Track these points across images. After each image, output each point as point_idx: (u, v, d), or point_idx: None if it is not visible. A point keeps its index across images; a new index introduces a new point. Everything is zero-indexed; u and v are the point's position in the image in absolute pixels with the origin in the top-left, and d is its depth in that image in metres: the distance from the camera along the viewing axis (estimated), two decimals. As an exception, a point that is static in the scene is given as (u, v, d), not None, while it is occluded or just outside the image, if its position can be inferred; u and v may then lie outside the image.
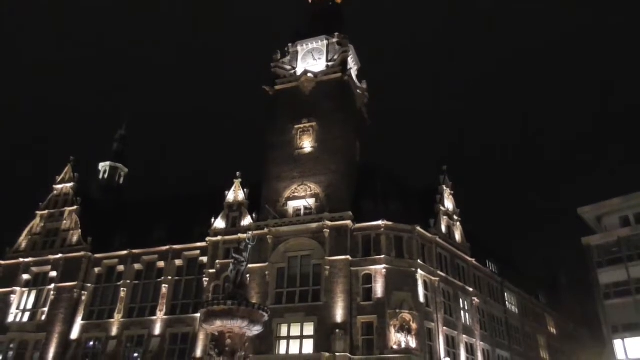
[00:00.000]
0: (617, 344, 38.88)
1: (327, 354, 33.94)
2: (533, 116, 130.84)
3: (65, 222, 49.26)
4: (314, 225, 39.38)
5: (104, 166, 59.16)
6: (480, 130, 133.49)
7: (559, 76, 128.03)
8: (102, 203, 52.12)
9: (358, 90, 49.26)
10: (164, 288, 42.88)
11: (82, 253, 46.38)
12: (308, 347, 35.65)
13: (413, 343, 34.57)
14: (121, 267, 45.40)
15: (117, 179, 59.38)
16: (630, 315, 38.22)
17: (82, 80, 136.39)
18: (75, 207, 49.54)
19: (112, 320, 43.10)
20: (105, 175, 58.70)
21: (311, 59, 47.97)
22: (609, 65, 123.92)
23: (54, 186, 51.67)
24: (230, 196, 44.46)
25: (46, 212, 50.47)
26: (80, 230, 48.09)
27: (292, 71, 47.72)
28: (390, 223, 38.71)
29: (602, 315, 41.09)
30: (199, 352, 37.88)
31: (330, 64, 46.88)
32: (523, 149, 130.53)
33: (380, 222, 38.61)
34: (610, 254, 40.72)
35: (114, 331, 42.64)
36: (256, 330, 17.73)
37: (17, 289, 46.71)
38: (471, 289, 43.69)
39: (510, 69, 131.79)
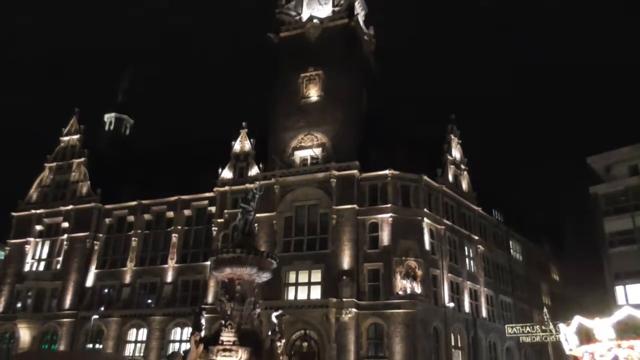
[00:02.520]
0: (619, 290, 39.64)
1: (334, 300, 34.87)
2: (544, 67, 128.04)
3: (73, 174, 49.71)
4: (321, 174, 39.50)
5: (109, 117, 58.91)
6: (490, 79, 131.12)
7: (570, 27, 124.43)
8: (109, 154, 52.27)
9: (365, 37, 48.08)
10: (174, 237, 43.68)
11: (92, 204, 47.06)
12: (316, 293, 36.60)
13: (418, 289, 35.38)
14: (131, 218, 46.14)
15: (123, 131, 59.26)
16: (633, 262, 38.76)
17: (84, 31, 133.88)
18: (82, 159, 49.84)
19: (125, 268, 44.23)
20: (111, 127, 58.57)
21: (317, 4, 46.57)
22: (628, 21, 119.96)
23: (61, 138, 51.81)
24: (237, 146, 44.44)
25: (54, 164, 50.85)
26: (89, 182, 48.59)
27: (297, 17, 46.47)
28: (397, 172, 38.76)
29: (605, 263, 41.67)
30: (210, 298, 39.03)
31: (336, 9, 45.56)
32: (532, 99, 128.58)
33: (387, 172, 38.65)
34: (617, 203, 40.82)
35: (127, 279, 43.84)
36: (265, 277, 18.11)
37: (31, 239, 47.82)
38: (476, 237, 44.19)
39: (524, 19, 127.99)
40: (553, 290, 56.74)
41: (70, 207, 47.56)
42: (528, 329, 31.22)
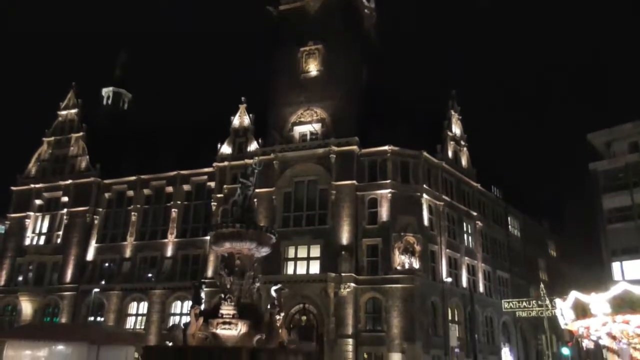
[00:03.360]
0: (615, 266, 39.97)
1: (333, 274, 35.19)
2: (545, 43, 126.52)
3: (72, 148, 49.60)
4: (320, 150, 39.40)
5: (107, 92, 58.45)
6: (490, 56, 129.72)
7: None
8: (107, 129, 52.05)
9: (366, 10, 47.34)
10: (174, 212, 43.83)
11: (91, 179, 47.10)
12: (315, 268, 36.92)
13: (416, 264, 35.67)
14: (130, 193, 46.22)
15: (121, 105, 58.87)
16: (631, 239, 39.00)
17: (80, 4, 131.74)
18: (81, 134, 49.68)
19: (125, 243, 44.50)
20: (109, 101, 58.17)
21: (316, -24, 45.65)
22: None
23: (58, 112, 51.50)
24: (236, 121, 44.23)
25: (52, 138, 50.68)
26: (87, 157, 48.54)
27: (297, -10, 45.62)
28: (396, 148, 38.68)
29: (602, 239, 41.94)
30: (209, 273, 39.38)
31: (336, -20, 44.68)
32: (533, 75, 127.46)
33: (386, 147, 38.57)
34: (616, 180, 40.85)
35: (128, 253, 44.15)
36: (264, 251, 18.20)
37: (31, 213, 47.98)
38: (475, 214, 44.36)
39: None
40: (550, 266, 57.26)
41: (70, 181, 47.59)
42: (525, 304, 31.62)
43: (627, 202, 40.45)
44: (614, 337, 13.07)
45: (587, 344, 14.60)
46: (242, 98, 44.96)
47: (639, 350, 14.27)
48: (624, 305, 11.90)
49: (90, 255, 45.30)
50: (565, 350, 34.00)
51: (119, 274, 43.47)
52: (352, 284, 35.24)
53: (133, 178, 46.11)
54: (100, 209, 46.64)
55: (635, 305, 11.71)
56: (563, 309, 14.29)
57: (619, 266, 39.86)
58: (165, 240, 43.29)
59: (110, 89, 58.31)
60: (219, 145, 43.48)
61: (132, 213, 45.16)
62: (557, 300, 15.33)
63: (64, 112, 51.32)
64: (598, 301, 12.46)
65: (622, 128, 42.80)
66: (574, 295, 13.64)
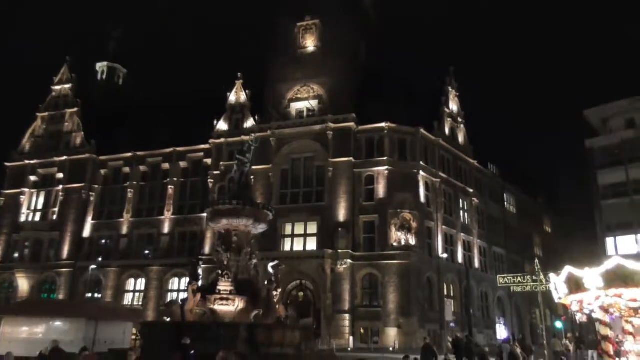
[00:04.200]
0: (609, 241, 40.40)
1: (330, 251, 35.41)
2: (542, 19, 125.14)
3: (67, 124, 49.23)
4: (317, 127, 39.23)
5: (101, 67, 57.66)
6: (488, 33, 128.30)
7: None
8: (103, 105, 51.45)
9: (363, -15, 46.56)
10: (170, 189, 43.81)
11: (86, 155, 46.88)
12: (312, 244, 37.12)
13: (412, 240, 35.91)
14: (126, 169, 46.09)
15: (116, 80, 58.20)
16: (625, 214, 39.33)
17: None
18: (75, 109, 49.25)
19: (122, 220, 44.55)
20: (104, 77, 57.45)
21: (313, -52, 44.75)
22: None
23: (52, 87, 50.93)
24: (232, 98, 43.89)
25: (46, 114, 50.23)
26: (82, 133, 48.20)
27: (294, -37, 44.74)
28: (393, 125, 38.55)
29: (597, 215, 42.25)
30: (207, 249, 39.55)
31: (334, -47, 43.83)
32: (529, 52, 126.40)
33: (383, 124, 38.44)
34: (611, 156, 40.96)
35: (125, 230, 44.24)
36: (261, 228, 18.26)
37: (26, 190, 47.79)
38: (471, 190, 44.49)
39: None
40: (545, 242, 57.77)
41: (65, 157, 47.37)
42: (519, 279, 31.95)
43: (621, 178, 40.66)
44: (606, 310, 13.23)
45: (580, 317, 14.77)
46: (239, 74, 44.55)
47: (630, 322, 14.50)
48: (616, 279, 12.01)
49: (86, 232, 45.37)
50: (559, 324, 34.49)
51: (116, 250, 43.62)
52: (349, 261, 35.50)
53: (129, 155, 45.92)
54: (96, 186, 46.54)
55: (628, 279, 11.83)
56: (557, 284, 14.44)
57: (612, 241, 40.30)
58: (162, 217, 43.34)
59: (105, 64, 57.54)
60: (215, 122, 43.22)
61: (129, 190, 45.10)
62: (551, 275, 15.46)
63: (57, 87, 50.78)
64: (591, 275, 12.57)
65: (617, 104, 42.73)
66: (567, 270, 13.76)
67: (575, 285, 13.43)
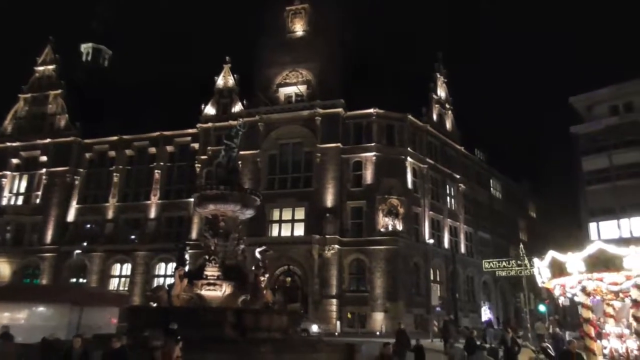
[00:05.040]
0: (592, 226, 41.04)
1: (317, 236, 35.53)
2: (530, 6, 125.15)
3: (50, 106, 48.40)
4: (306, 112, 39.07)
5: (86, 48, 56.63)
6: (476, 20, 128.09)
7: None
8: (88, 87, 50.60)
9: (352, -31, 46.05)
10: (157, 174, 43.48)
11: (71, 138, 46.23)
12: (299, 230, 37.21)
13: (400, 226, 36.15)
14: (112, 153, 45.60)
15: (102, 62, 57.24)
16: (608, 200, 39.93)
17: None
18: (59, 91, 48.39)
19: (107, 204, 44.17)
20: (89, 58, 56.46)
21: None
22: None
23: (35, 68, 49.90)
24: (220, 82, 43.48)
25: (29, 95, 49.25)
26: (67, 115, 47.45)
27: (282, -55, 44.12)
28: (381, 111, 38.55)
29: (581, 200, 42.86)
30: (194, 234, 39.44)
31: (323, -64, 43.26)
32: (516, 39, 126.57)
33: (371, 110, 38.41)
34: (596, 142, 41.42)
35: (110, 214, 43.90)
36: (249, 213, 18.17)
37: (8, 173, 46.94)
38: (458, 176, 44.79)
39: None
40: (530, 227, 58.52)
41: (48, 140, 46.63)
42: (504, 263, 32.39)
43: (605, 164, 41.21)
44: (588, 294, 13.47)
45: (562, 300, 15.06)
46: (227, 58, 44.10)
47: (611, 305, 14.79)
48: (598, 263, 12.22)
49: (71, 216, 44.94)
50: (542, 307, 35.10)
51: (102, 235, 43.30)
52: (337, 246, 35.67)
53: (115, 138, 45.41)
54: (81, 169, 46.00)
55: (609, 264, 12.04)
56: (540, 268, 14.66)
57: (595, 226, 40.96)
58: (149, 201, 43.07)
59: (90, 45, 56.50)
60: (203, 106, 42.84)
61: (114, 174, 44.67)
62: (535, 260, 15.70)
63: (41, 68, 49.78)
64: (574, 260, 12.78)
65: (602, 92, 43.16)
66: (551, 254, 13.97)
67: (558, 270, 13.65)
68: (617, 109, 42.96)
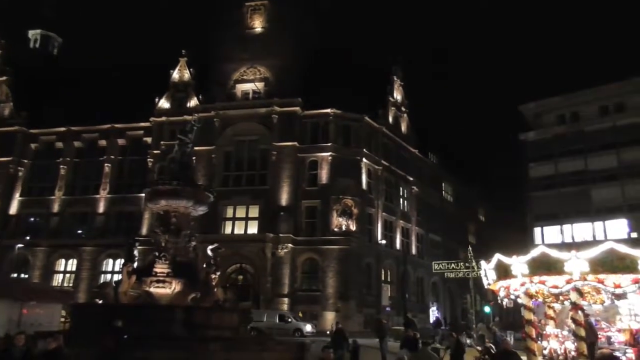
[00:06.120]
0: (537, 231, 42.90)
1: (271, 235, 35.38)
2: (484, 15, 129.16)
3: (-6, 93, 45.99)
4: (263, 110, 38.83)
5: (34, 34, 54.15)
6: (433, 27, 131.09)
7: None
8: (36, 75, 48.18)
9: (314, -32, 46.11)
10: (107, 167, 42.14)
11: (15, 127, 44.10)
12: (253, 228, 36.94)
13: (353, 226, 36.49)
14: (60, 144, 43.84)
15: (51, 50, 54.88)
16: (552, 206, 41.83)
17: None
18: (4, 78, 46.04)
19: (53, 197, 42.43)
20: (37, 45, 54.02)
21: None
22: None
23: (-22, 53, 47.34)
24: (176, 75, 42.59)
25: (-29, 81, 46.66)
26: (12, 103, 45.26)
27: (244, -60, 43.62)
28: (339, 111, 38.79)
29: (527, 206, 44.64)
30: (144, 230, 38.40)
31: None
32: (470, 46, 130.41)
33: (329, 110, 38.60)
34: (543, 150, 43.30)
35: (56, 208, 42.20)
36: (201, 210, 17.92)
37: (-54, 162, 44.28)
38: (412, 179, 45.63)
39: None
40: (479, 230, 60.37)
41: (-9, 129, 44.30)
42: (453, 265, 33.30)
43: (551, 171, 43.12)
44: (530, 296, 13.97)
45: (506, 302, 15.59)
46: (183, 51, 43.21)
47: (552, 307, 15.41)
48: (541, 266, 12.70)
49: (13, 209, 42.88)
50: (487, 309, 36.37)
51: (46, 229, 41.54)
52: (290, 245, 35.64)
53: (63, 129, 43.67)
54: (26, 161, 43.97)
55: (551, 267, 12.53)
56: (487, 270, 15.12)
57: (540, 231, 42.82)
58: (98, 195, 41.68)
59: (38, 31, 54.10)
60: (157, 99, 41.82)
61: (62, 166, 42.96)
62: (482, 262, 16.18)
63: (-17, 53, 47.24)
64: (518, 263, 13.23)
65: (550, 101, 45.16)
66: (497, 257, 14.43)
67: (503, 272, 14.12)
68: (564, 118, 45.01)
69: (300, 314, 35.11)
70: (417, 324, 28.35)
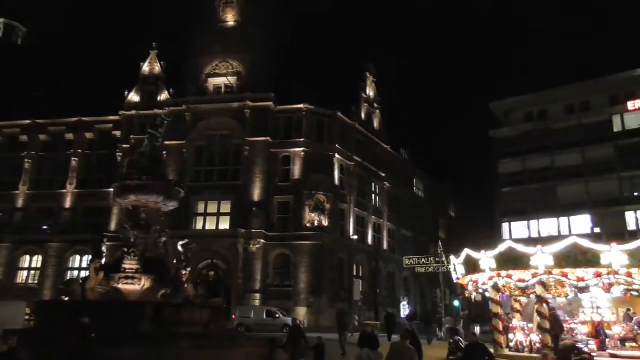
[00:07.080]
0: (505, 226, 43.84)
1: (243, 230, 35.18)
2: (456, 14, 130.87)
3: (-46, 84, 44.29)
4: (235, 104, 38.48)
5: (-4, 23, 52.35)
6: (406, 24, 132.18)
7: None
8: (-2, 66, 46.83)
9: (287, -38, 45.83)
10: (74, 161, 41.14)
11: (-23, 120, 42.56)
12: (225, 223, 36.65)
13: (325, 222, 36.59)
14: (24, 137, 42.57)
15: (14, 39, 53.12)
16: (520, 202, 42.81)
17: None
18: (-35, 69, 44.43)
19: (17, 192, 41.20)
20: (0, 34, 52.21)
21: None
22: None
23: (-63, 42, 45.56)
24: (146, 68, 41.80)
25: None
26: (-27, 95, 43.64)
27: None
28: (312, 107, 38.77)
29: (496, 202, 45.58)
30: (113, 226, 37.67)
31: None
32: (440, 45, 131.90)
33: (302, 105, 38.52)
34: (512, 146, 44.22)
35: (20, 203, 41.01)
36: (172, 205, 17.65)
37: None
38: (384, 174, 45.99)
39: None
40: (449, 226, 61.28)
41: (-49, 121, 42.70)
42: (423, 260, 33.72)
43: (519, 167, 44.09)
44: (498, 290, 14.29)
45: (475, 296, 15.90)
46: (154, 44, 42.41)
47: (518, 301, 15.77)
48: (508, 261, 13.00)
49: (-24, 204, 41.47)
50: (457, 303, 36.95)
51: (10, 224, 40.32)
52: (262, 240, 35.50)
53: (27, 122, 42.41)
54: (-12, 154, 42.52)
55: (518, 262, 12.83)
56: (456, 265, 15.39)
57: (507, 226, 43.78)
58: (64, 190, 40.67)
59: (1, 20, 52.27)
60: (126, 93, 40.98)
61: (26, 160, 41.72)
62: (452, 257, 16.46)
63: (-58, 43, 45.46)
64: (486, 258, 13.50)
65: (519, 99, 46.17)
66: (465, 252, 14.70)
67: (472, 267, 14.38)
68: (532, 116, 46.07)
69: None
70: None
